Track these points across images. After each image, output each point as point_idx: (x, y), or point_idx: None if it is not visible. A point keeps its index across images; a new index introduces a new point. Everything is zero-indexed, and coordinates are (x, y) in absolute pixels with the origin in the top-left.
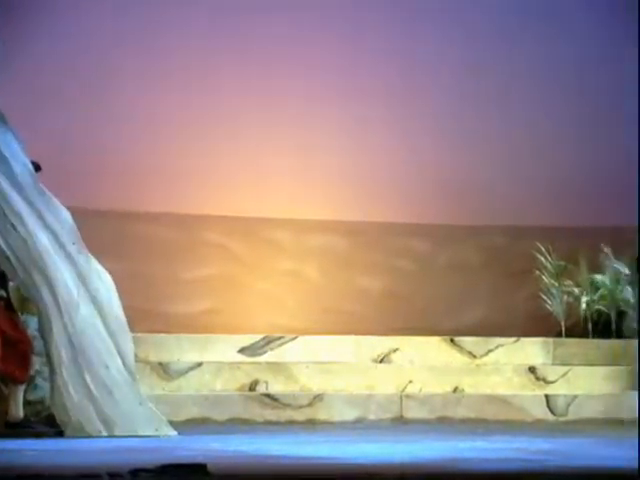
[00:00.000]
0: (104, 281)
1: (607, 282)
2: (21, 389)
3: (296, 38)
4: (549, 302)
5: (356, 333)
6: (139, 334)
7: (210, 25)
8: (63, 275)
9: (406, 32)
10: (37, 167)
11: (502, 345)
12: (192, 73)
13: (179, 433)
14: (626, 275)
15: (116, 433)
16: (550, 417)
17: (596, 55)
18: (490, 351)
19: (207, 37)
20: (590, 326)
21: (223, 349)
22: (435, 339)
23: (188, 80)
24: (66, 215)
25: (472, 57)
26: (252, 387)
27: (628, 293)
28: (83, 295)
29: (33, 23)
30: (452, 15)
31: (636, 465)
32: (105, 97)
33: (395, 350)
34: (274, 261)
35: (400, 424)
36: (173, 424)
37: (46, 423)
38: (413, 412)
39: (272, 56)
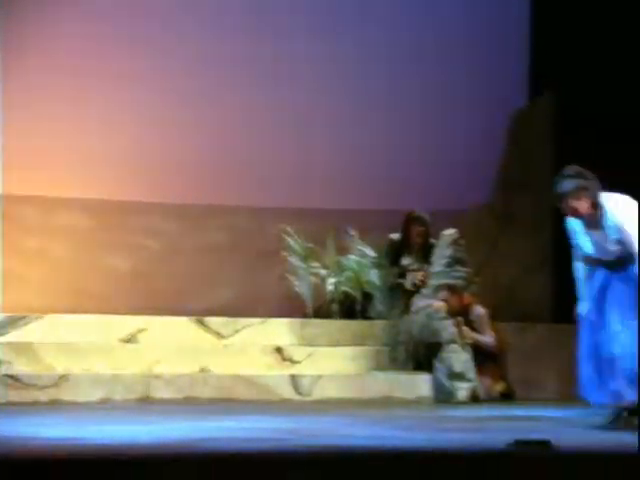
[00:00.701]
0: None
1: (353, 264)
2: None
3: None
4: (296, 283)
5: (103, 313)
6: None
7: None
8: None
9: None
10: None
11: (249, 326)
12: None
13: None
14: (372, 258)
15: None
16: (296, 397)
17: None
18: (237, 331)
19: None
20: (336, 307)
21: None
22: (183, 319)
23: None
24: None
25: None
26: None
27: (374, 275)
28: None
29: None
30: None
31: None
32: None
33: (142, 330)
34: (19, 238)
35: (146, 404)
36: None
37: None
38: (160, 392)
39: None
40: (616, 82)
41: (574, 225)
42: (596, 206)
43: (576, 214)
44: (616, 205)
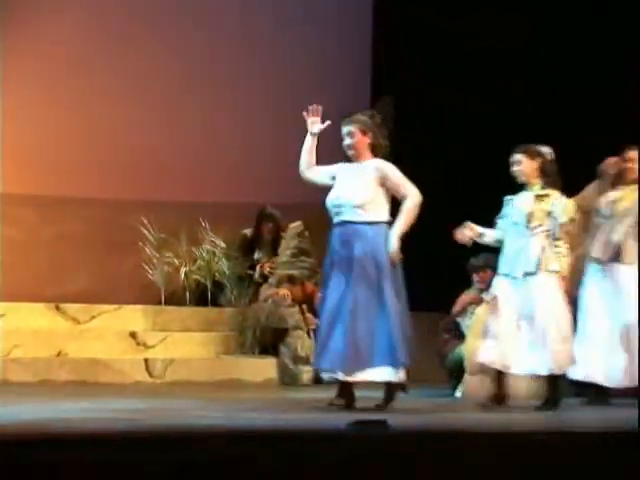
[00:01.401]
0: None
1: (204, 254)
2: None
3: None
4: (151, 272)
5: None
6: None
7: None
8: None
9: None
10: None
11: (105, 312)
12: None
13: None
14: (222, 249)
15: None
16: (149, 379)
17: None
18: (93, 317)
19: None
20: (188, 295)
21: None
22: (40, 305)
23: None
24: None
25: None
26: None
27: (224, 265)
28: None
29: None
30: None
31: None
32: None
33: (1, 316)
34: None
35: (3, 386)
36: None
37: None
38: (17, 376)
39: None
40: (447, 86)
41: None
42: None
43: None
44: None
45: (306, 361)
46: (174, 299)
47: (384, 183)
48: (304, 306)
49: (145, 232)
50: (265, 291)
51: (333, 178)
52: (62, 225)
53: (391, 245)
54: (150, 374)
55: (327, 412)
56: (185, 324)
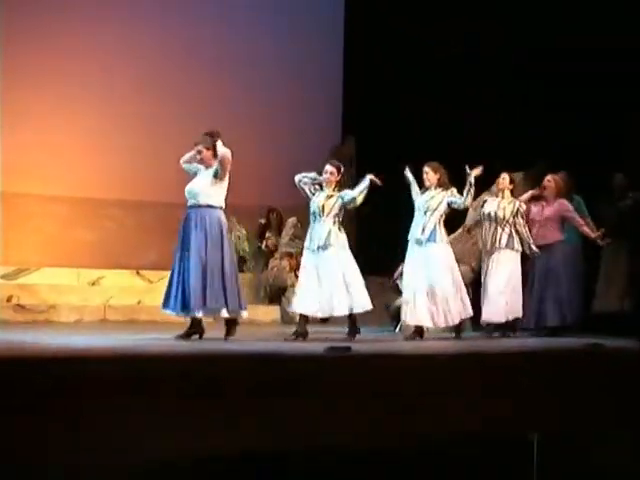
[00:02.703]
0: None
1: (233, 238)
2: None
3: None
4: None
5: (76, 267)
6: None
7: None
8: None
9: None
10: None
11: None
12: None
13: None
14: (243, 234)
15: None
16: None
17: None
18: (161, 279)
19: None
20: None
21: None
22: (126, 271)
23: None
24: None
25: None
26: (9, 299)
27: (245, 245)
28: None
29: None
30: None
31: None
32: None
33: (101, 277)
34: None
35: (103, 324)
36: None
37: None
38: (113, 316)
39: None
40: (418, 94)
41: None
42: None
43: None
44: None
45: None
46: None
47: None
48: (297, 271)
49: None
50: (272, 262)
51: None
52: (141, 218)
53: None
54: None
55: (311, 342)
56: None
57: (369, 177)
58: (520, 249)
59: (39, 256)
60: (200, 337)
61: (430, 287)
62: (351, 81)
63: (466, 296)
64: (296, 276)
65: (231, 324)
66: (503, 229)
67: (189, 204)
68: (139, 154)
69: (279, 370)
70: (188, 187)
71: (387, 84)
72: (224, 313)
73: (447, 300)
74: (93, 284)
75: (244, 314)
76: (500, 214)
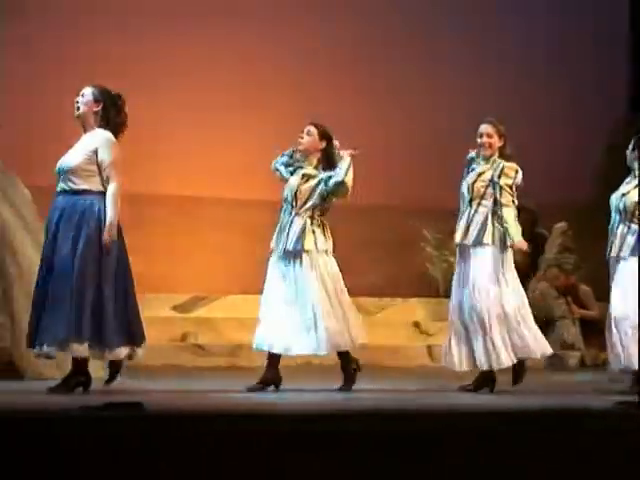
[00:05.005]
0: None
1: None
2: None
3: None
4: (430, 268)
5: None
6: None
7: None
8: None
9: None
10: None
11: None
12: None
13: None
14: None
15: None
16: (430, 364)
17: None
18: (383, 309)
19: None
20: None
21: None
22: None
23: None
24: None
25: None
26: (183, 338)
27: None
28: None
29: None
30: None
31: None
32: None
33: None
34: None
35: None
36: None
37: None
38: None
39: None
40: None
41: None
42: None
43: None
44: None
45: (572, 347)
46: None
47: None
48: (568, 297)
49: (425, 233)
50: (533, 283)
51: None
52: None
53: None
54: (432, 359)
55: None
56: None
57: (348, 153)
58: None
59: (221, 282)
60: None
61: None
62: None
63: None
64: (567, 303)
65: None
66: None
67: None
68: None
69: None
70: None
71: None
72: None
73: None
74: None
75: None
76: None
